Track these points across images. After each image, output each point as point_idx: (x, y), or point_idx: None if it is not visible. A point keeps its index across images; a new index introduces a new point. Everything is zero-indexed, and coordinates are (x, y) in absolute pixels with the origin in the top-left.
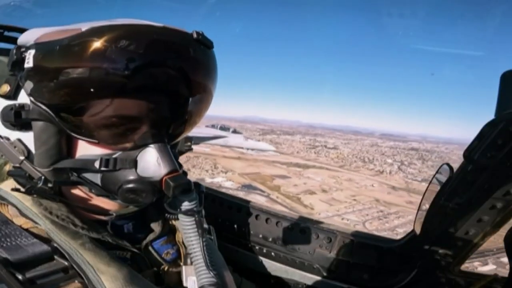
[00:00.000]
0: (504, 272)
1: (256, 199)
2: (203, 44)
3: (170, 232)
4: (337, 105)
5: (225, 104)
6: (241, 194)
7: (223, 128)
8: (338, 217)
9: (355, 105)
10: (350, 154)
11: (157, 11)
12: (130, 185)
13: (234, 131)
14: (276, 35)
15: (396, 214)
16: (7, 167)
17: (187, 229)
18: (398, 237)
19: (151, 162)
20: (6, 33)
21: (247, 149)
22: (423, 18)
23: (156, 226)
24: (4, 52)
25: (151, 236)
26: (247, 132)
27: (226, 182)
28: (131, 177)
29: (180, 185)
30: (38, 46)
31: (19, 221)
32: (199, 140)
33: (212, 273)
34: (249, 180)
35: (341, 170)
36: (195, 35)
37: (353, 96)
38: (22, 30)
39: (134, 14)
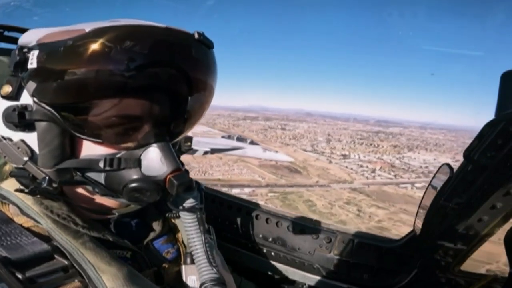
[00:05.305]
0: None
1: None
2: (204, 44)
3: (170, 231)
4: (346, 95)
5: (229, 94)
6: None
7: (239, 139)
8: (198, 165)
9: (364, 95)
10: (292, 134)
11: (157, 10)
12: (135, 184)
13: (252, 142)
14: (294, 28)
15: (242, 168)
16: (7, 167)
17: (189, 226)
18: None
19: (155, 161)
20: (6, 33)
21: (265, 159)
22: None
23: (156, 225)
24: (4, 52)
25: (151, 235)
26: (225, 118)
27: None
28: (136, 176)
29: (183, 184)
30: (42, 46)
31: (20, 220)
32: (217, 151)
33: (214, 269)
34: None
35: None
36: (196, 36)
37: (363, 87)
38: (22, 30)
39: (134, 13)
